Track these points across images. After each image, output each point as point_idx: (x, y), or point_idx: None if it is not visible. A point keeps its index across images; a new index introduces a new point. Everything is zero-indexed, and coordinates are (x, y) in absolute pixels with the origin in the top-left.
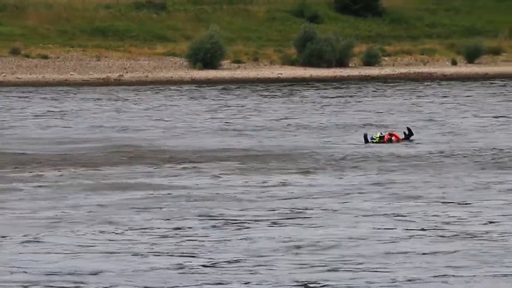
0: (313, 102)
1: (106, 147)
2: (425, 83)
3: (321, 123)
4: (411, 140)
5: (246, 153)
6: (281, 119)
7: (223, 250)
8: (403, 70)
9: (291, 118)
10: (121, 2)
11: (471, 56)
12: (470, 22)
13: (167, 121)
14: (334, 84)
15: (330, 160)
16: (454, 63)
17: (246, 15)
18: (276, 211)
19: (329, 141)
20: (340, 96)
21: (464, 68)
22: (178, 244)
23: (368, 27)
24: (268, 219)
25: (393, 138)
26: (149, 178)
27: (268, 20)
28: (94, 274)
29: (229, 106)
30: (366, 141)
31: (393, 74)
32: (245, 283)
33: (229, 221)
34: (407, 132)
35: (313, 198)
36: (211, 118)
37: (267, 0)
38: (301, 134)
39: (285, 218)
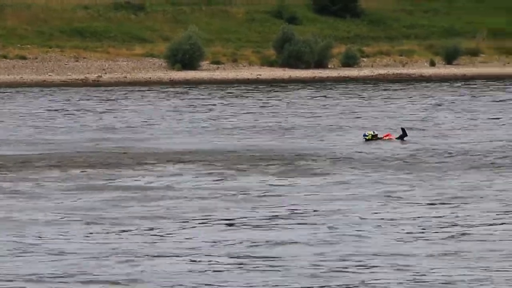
0: (288, 103)
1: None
2: (404, 84)
3: (296, 125)
4: (404, 141)
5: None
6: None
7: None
8: (382, 71)
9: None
10: (99, 3)
11: (450, 57)
12: (449, 23)
13: (138, 121)
14: (312, 85)
15: (295, 161)
16: (432, 64)
17: (225, 16)
18: (232, 212)
19: (300, 143)
20: (316, 97)
21: (443, 69)
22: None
23: (346, 28)
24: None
25: (385, 137)
26: (111, 180)
27: (247, 21)
28: (54, 277)
29: (203, 107)
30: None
31: (372, 75)
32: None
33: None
34: (401, 133)
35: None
36: (179, 119)
37: (246, 1)
38: (266, 135)
39: (239, 218)
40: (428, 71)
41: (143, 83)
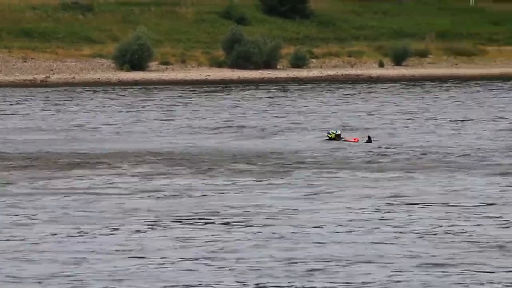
0: (236, 103)
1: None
2: (354, 85)
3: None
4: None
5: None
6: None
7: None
8: (331, 72)
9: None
10: (47, 3)
11: (398, 58)
12: (398, 24)
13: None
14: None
15: (227, 161)
16: (381, 65)
17: (174, 16)
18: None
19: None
20: (264, 97)
21: (391, 70)
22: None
23: (295, 29)
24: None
25: (353, 140)
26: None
27: (196, 22)
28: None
29: (148, 107)
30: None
31: (321, 76)
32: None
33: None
34: (367, 139)
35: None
36: (123, 120)
37: (195, 2)
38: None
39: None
40: (377, 72)
41: (92, 84)
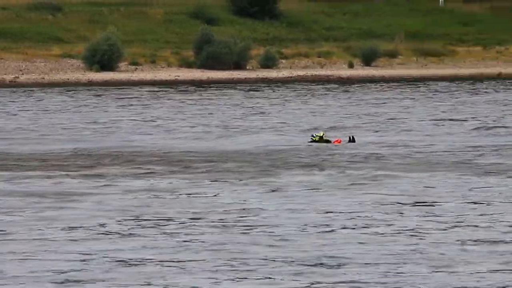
0: (202, 104)
1: None
2: (324, 86)
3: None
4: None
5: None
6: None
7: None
8: (301, 72)
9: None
10: (16, 3)
11: (368, 59)
12: (367, 25)
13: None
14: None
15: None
16: (351, 65)
17: (143, 17)
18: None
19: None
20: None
21: (361, 71)
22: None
23: (265, 30)
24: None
25: (335, 142)
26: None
27: (166, 22)
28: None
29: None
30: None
31: (291, 77)
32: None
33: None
34: (351, 138)
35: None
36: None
37: (165, 2)
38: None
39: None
40: (346, 72)
41: (61, 84)
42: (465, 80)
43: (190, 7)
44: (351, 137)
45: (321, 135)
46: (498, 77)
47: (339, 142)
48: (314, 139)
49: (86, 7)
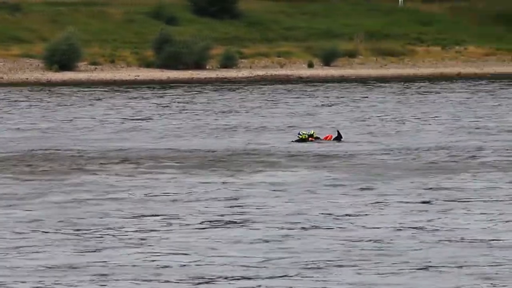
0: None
1: None
2: (285, 85)
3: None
4: (341, 141)
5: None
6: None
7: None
8: (260, 72)
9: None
10: None
11: (327, 59)
12: (327, 25)
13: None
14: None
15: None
16: (310, 65)
17: (103, 17)
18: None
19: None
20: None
21: (321, 71)
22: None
23: (225, 29)
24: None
25: (325, 138)
26: None
27: (125, 22)
28: None
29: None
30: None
31: (251, 77)
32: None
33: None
34: (337, 135)
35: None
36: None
37: (124, 2)
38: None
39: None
40: (306, 72)
41: (20, 84)
42: (424, 80)
43: (151, 7)
44: (338, 132)
45: (311, 133)
46: (457, 77)
47: (330, 138)
48: (300, 136)
49: (46, 6)
